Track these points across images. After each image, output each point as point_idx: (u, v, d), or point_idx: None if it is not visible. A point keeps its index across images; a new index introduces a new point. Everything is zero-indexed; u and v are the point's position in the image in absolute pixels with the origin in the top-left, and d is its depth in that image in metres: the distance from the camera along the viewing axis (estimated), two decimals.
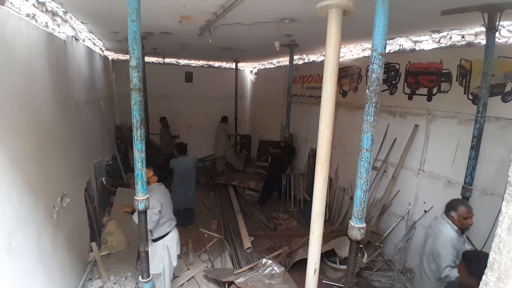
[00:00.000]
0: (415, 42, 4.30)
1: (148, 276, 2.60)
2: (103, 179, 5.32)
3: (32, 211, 2.49)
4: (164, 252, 3.36)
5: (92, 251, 4.08)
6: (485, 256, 2.02)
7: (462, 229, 2.56)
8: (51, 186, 2.94)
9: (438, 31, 3.83)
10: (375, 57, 1.65)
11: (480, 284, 1.08)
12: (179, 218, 5.23)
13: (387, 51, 4.25)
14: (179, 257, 3.64)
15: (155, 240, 3.36)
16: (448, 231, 2.52)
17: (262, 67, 9.31)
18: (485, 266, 1.95)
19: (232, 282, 3.67)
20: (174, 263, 3.46)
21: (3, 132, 2.10)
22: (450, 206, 2.59)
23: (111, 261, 4.17)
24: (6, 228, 2.10)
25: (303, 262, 3.50)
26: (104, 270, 3.96)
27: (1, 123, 2.08)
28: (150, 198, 3.19)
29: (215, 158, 8.96)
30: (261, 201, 6.56)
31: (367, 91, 1.71)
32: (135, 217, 3.17)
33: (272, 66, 8.64)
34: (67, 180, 3.38)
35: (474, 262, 1.92)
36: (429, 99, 3.93)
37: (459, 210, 2.53)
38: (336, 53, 2.11)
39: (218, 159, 8.74)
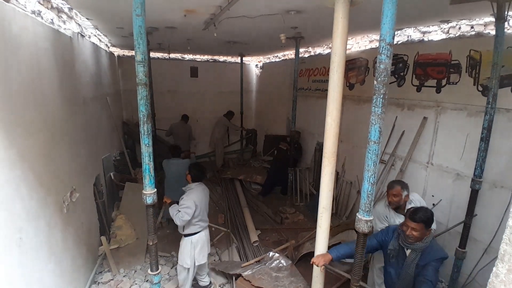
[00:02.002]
0: (424, 32, 4.22)
1: (157, 268, 2.63)
2: (112, 174, 5.39)
3: (42, 206, 2.53)
4: (191, 249, 3.45)
5: (102, 244, 4.15)
6: (423, 207, 2.42)
7: (393, 205, 3.02)
8: (60, 181, 2.98)
9: (447, 21, 3.75)
10: (383, 47, 1.61)
11: (491, 276, 1.07)
12: None
13: (395, 42, 4.19)
14: (209, 255, 3.69)
15: (185, 235, 3.46)
16: (378, 205, 3.20)
17: (268, 61, 9.26)
18: (430, 213, 2.36)
19: (239, 275, 3.70)
20: (196, 262, 3.51)
21: (12, 128, 2.12)
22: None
23: (120, 255, 4.24)
24: (17, 223, 2.14)
25: (310, 255, 3.51)
26: (114, 263, 4.03)
27: (10, 119, 2.10)
28: (186, 198, 3.29)
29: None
30: (263, 194, 6.62)
31: (375, 82, 1.68)
32: (171, 209, 3.37)
33: (277, 59, 8.58)
34: (76, 176, 3.43)
35: (430, 219, 2.35)
36: (438, 91, 3.87)
37: (387, 189, 3.05)
38: (343, 44, 2.08)
39: (218, 155, 8.77)
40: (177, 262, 4.27)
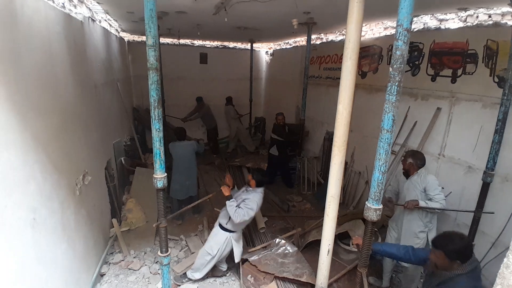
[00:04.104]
0: (441, 20, 4.08)
1: (167, 250, 2.69)
2: (122, 159, 5.47)
3: (56, 188, 2.59)
4: (225, 242, 3.45)
5: (113, 226, 4.26)
6: (455, 235, 2.05)
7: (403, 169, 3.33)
8: (73, 165, 3.04)
9: (465, 9, 3.62)
10: (400, 33, 1.57)
11: (501, 267, 1.06)
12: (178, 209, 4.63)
13: (411, 29, 4.07)
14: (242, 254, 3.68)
15: (223, 229, 3.46)
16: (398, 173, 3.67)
17: (278, 48, 9.12)
18: (461, 244, 1.96)
19: (246, 260, 3.76)
20: (237, 259, 3.56)
21: (26, 111, 2.15)
22: None
23: (131, 237, 4.35)
24: (31, 203, 2.19)
25: (316, 243, 3.54)
26: (125, 245, 4.14)
27: (24, 102, 2.13)
28: (252, 198, 3.29)
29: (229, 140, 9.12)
30: (266, 182, 6.54)
31: (391, 69, 1.64)
32: (229, 204, 3.28)
33: (288, 46, 8.44)
34: (88, 159, 3.49)
35: (455, 251, 1.96)
36: (453, 81, 3.77)
37: None
38: (357, 30, 2.03)
39: (231, 140, 8.87)
40: (186, 245, 4.37)
